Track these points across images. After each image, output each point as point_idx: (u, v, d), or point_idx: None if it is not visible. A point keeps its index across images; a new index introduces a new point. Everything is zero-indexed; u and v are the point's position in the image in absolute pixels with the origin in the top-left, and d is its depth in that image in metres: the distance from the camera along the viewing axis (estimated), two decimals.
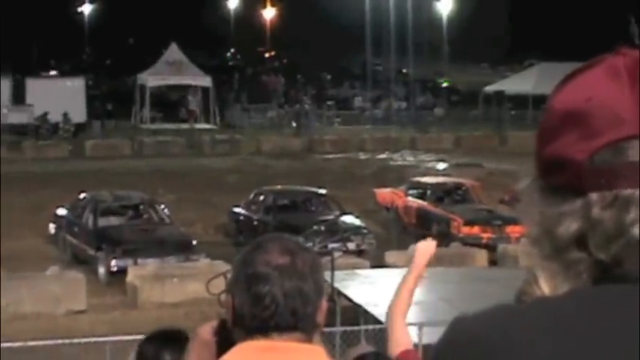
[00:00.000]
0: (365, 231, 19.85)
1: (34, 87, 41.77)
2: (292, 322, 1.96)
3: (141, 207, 20.48)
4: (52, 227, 21.20)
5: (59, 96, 40.87)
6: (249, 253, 2.02)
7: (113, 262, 17.72)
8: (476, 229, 20.19)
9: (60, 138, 39.13)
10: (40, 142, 38.01)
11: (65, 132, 39.90)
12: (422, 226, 21.23)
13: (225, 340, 2.10)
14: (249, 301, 1.97)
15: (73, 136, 39.60)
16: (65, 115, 40.01)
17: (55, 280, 15.76)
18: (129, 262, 17.56)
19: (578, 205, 1.09)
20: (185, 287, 15.99)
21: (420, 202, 21.95)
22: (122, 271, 17.14)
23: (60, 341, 10.71)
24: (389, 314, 3.66)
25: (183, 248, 18.30)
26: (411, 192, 22.66)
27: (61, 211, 20.94)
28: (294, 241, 2.08)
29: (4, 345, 10.74)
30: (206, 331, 2.29)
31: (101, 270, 17.92)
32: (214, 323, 2.27)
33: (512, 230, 19.75)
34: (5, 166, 32.44)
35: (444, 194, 22.29)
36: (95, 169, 31.05)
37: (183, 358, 3.25)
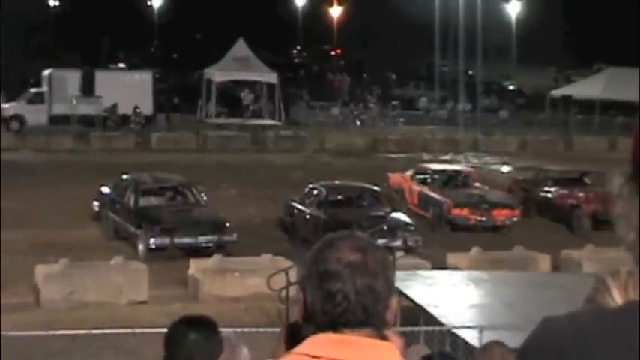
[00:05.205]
0: (412, 228, 20.06)
1: (103, 79, 42.35)
2: (363, 317, 1.97)
3: (179, 189, 21.46)
4: (95, 205, 22.30)
5: (127, 88, 41.47)
6: (320, 250, 2.02)
7: (151, 240, 18.84)
8: (465, 212, 22.34)
9: (127, 130, 39.64)
10: (107, 133, 38.56)
11: (136, 124, 40.41)
12: (422, 207, 23.74)
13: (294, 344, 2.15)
14: (321, 297, 1.98)
15: (142, 128, 40.10)
16: (136, 107, 40.56)
17: (118, 270, 16.00)
18: (166, 240, 18.77)
19: None
20: (246, 282, 16.11)
21: (422, 186, 24.35)
22: (160, 249, 18.52)
23: (122, 330, 10.86)
24: None
25: (217, 229, 19.20)
26: (417, 177, 25.01)
27: (105, 190, 22.00)
28: (366, 239, 2.08)
29: (67, 332, 10.95)
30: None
31: (140, 247, 18.99)
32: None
33: (499, 214, 22.40)
34: (72, 156, 33.00)
35: (447, 179, 24.53)
36: (160, 162, 31.34)
37: (209, 339, 3.58)
